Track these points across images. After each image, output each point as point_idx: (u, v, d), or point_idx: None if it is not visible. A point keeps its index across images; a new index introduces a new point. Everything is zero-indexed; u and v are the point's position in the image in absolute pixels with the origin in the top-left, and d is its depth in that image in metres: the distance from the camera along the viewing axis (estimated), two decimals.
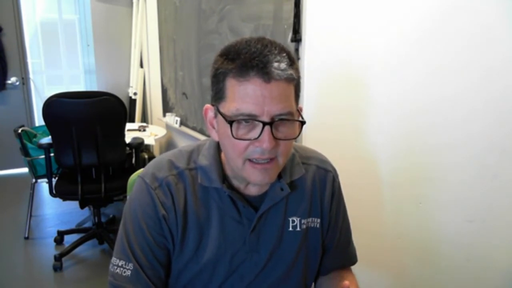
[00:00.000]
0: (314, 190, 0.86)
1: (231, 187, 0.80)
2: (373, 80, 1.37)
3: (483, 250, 1.12)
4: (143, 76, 3.97)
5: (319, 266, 0.92)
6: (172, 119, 3.10)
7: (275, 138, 0.68)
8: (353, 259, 0.97)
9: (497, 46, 1.02)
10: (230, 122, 0.68)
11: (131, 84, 3.99)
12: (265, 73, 0.66)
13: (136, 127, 3.26)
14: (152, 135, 3.07)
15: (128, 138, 2.52)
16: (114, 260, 0.79)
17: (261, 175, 0.72)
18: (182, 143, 3.24)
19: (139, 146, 2.52)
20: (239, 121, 0.68)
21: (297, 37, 1.63)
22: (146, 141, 2.79)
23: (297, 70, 0.71)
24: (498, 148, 1.05)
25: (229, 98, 0.69)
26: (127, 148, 2.50)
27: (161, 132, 3.19)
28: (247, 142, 0.69)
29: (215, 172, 0.78)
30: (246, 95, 0.67)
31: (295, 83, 0.71)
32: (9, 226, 2.93)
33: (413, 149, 1.27)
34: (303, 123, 0.71)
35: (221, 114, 0.70)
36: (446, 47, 1.13)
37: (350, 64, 1.45)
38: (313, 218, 0.86)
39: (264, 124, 0.67)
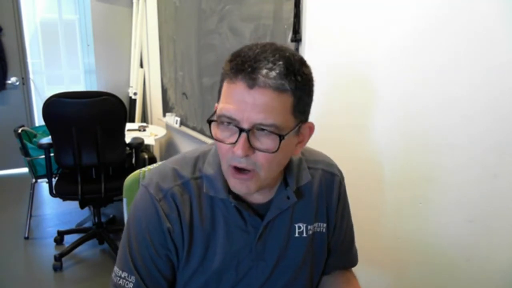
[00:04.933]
0: (320, 194, 0.85)
1: (236, 196, 0.77)
2: (373, 81, 1.37)
3: (483, 250, 1.12)
4: (143, 76, 3.97)
5: (327, 268, 0.93)
6: (172, 119, 3.10)
7: (252, 147, 0.66)
8: (355, 261, 0.98)
9: (498, 47, 1.02)
10: (209, 122, 0.69)
11: (131, 84, 3.99)
12: (251, 78, 0.63)
13: (136, 127, 3.26)
14: (152, 135, 3.07)
15: (128, 138, 2.52)
16: (116, 270, 0.79)
17: (239, 185, 0.71)
18: (182, 143, 3.24)
19: (139, 146, 2.52)
20: (220, 122, 0.68)
21: (297, 37, 1.63)
22: (146, 141, 2.79)
23: (296, 81, 0.65)
24: (499, 149, 1.05)
25: (221, 99, 0.69)
26: (127, 148, 2.50)
27: (161, 132, 3.19)
28: (227, 146, 0.68)
29: (220, 181, 0.76)
30: (230, 97, 0.66)
31: (292, 93, 0.65)
32: (9, 226, 2.93)
33: (413, 149, 1.27)
34: (281, 137, 0.65)
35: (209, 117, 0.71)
36: (447, 47, 1.13)
37: (350, 64, 1.45)
38: (319, 223, 0.86)
39: (241, 130, 0.65)
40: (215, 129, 0.69)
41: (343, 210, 0.91)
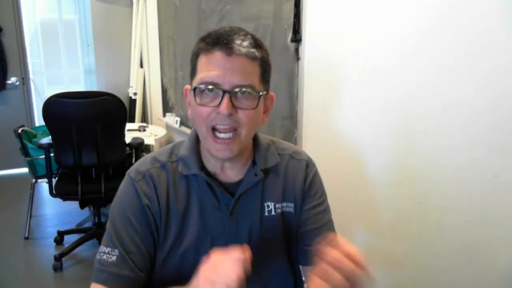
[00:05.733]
0: (286, 176, 0.91)
1: (209, 174, 0.85)
2: (373, 80, 1.37)
3: (483, 250, 1.12)
4: (143, 76, 3.97)
5: (304, 258, 0.92)
6: (172, 119, 3.10)
7: (234, 107, 0.75)
8: None
9: (498, 47, 1.02)
10: (194, 89, 0.77)
11: (131, 84, 3.99)
12: (227, 47, 0.74)
13: (136, 127, 3.26)
14: (152, 135, 3.07)
15: (128, 138, 2.52)
16: (101, 248, 0.84)
17: (221, 148, 0.77)
18: None
19: (139, 146, 2.52)
20: (202, 89, 0.76)
21: (297, 37, 1.63)
22: (146, 141, 2.79)
23: (262, 53, 0.78)
24: (498, 149, 1.05)
25: (198, 71, 0.78)
26: (127, 148, 2.50)
27: (161, 132, 3.19)
28: (209, 109, 0.76)
29: (193, 159, 0.84)
30: (210, 65, 0.75)
31: (260, 63, 0.77)
32: (9, 226, 2.93)
33: (413, 149, 1.27)
34: (259, 95, 0.77)
35: (192, 87, 0.79)
36: (447, 47, 1.13)
37: (350, 64, 1.45)
38: (287, 203, 0.90)
39: (224, 92, 0.74)
40: (197, 97, 0.77)
41: (315, 193, 0.92)
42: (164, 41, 3.29)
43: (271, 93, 0.85)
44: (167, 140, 3.56)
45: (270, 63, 0.81)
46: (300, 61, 1.65)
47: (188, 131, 2.89)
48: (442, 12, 1.13)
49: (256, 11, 1.88)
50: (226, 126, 0.76)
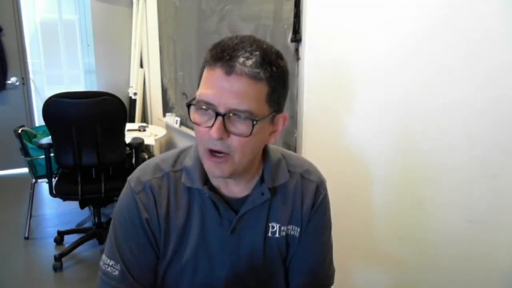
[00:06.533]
0: (295, 198, 0.86)
1: (212, 188, 0.81)
2: (373, 80, 1.37)
3: (483, 250, 1.12)
4: (143, 76, 3.97)
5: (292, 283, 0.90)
6: (172, 119, 3.10)
7: (227, 131, 0.69)
8: (329, 281, 0.94)
9: (497, 47, 1.02)
10: (188, 105, 0.72)
11: (131, 84, 3.99)
12: (229, 65, 0.67)
13: (136, 127, 3.26)
14: (152, 135, 3.07)
15: (128, 138, 2.52)
16: (105, 258, 0.83)
17: (213, 168, 0.73)
18: (182, 143, 3.24)
19: (139, 146, 2.52)
20: (198, 107, 0.71)
21: (297, 37, 1.63)
22: (146, 141, 2.79)
23: (271, 72, 0.69)
24: (498, 148, 1.05)
25: (200, 85, 0.73)
26: (127, 148, 2.50)
27: (161, 132, 3.19)
28: (204, 129, 0.71)
29: (198, 172, 0.80)
30: (209, 83, 0.70)
31: (267, 83, 0.69)
32: (9, 226, 2.93)
33: (413, 149, 1.27)
34: (254, 122, 0.69)
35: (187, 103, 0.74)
36: (447, 47, 1.13)
37: (350, 65, 1.45)
38: (293, 226, 0.86)
39: (217, 114, 0.68)
40: (194, 114, 0.72)
41: (320, 219, 0.89)
42: (164, 41, 3.29)
43: (284, 113, 0.77)
44: (167, 140, 3.56)
45: (284, 82, 0.73)
46: (300, 61, 1.65)
47: (188, 131, 2.89)
48: (442, 12, 1.13)
49: (256, 11, 1.88)
50: (220, 154, 0.72)
